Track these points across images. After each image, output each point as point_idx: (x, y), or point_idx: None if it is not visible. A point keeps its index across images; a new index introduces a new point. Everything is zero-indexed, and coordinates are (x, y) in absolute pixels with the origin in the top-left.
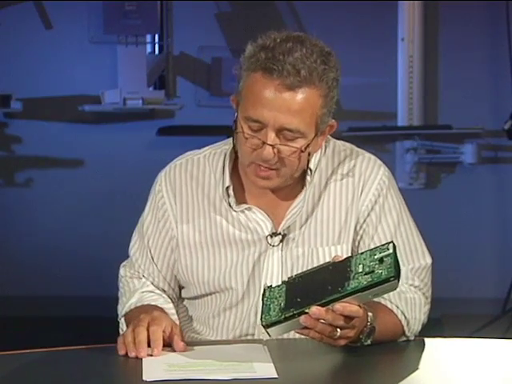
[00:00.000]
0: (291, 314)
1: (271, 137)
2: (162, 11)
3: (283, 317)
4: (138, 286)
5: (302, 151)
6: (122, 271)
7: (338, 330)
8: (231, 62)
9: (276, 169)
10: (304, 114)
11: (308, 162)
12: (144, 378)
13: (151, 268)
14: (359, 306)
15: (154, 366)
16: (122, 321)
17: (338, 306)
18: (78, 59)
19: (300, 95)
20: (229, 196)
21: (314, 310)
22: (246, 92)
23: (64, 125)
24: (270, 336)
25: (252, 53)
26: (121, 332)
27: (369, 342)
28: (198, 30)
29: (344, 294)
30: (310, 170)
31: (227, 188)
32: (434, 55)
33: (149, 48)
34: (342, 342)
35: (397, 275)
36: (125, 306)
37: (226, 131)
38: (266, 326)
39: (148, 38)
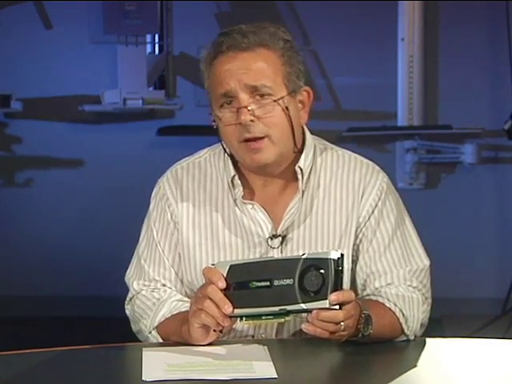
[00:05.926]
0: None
1: (243, 99)
2: (162, 11)
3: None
4: (165, 295)
5: (283, 110)
6: (135, 286)
7: (342, 323)
8: None
9: (265, 136)
10: (266, 70)
11: (298, 160)
12: (143, 378)
13: (167, 274)
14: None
15: (154, 366)
16: (153, 333)
17: (333, 296)
18: (78, 59)
19: (255, 54)
20: (234, 187)
21: (313, 314)
22: (211, 81)
23: (64, 125)
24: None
25: (207, 52)
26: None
27: (370, 331)
28: (198, 30)
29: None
30: (300, 169)
31: (232, 178)
32: (433, 55)
33: (149, 48)
34: (345, 333)
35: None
36: (154, 318)
37: None
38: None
39: (148, 38)
